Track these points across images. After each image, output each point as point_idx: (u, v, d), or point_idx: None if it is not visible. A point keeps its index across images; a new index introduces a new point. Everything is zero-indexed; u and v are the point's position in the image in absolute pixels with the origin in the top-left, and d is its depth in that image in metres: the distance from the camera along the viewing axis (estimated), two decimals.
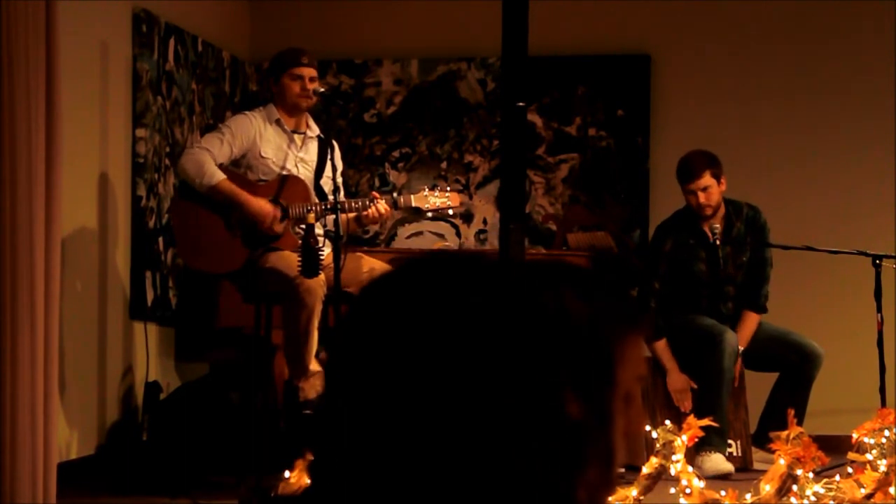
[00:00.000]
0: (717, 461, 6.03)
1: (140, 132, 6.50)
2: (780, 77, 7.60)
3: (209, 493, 5.45)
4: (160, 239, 6.66)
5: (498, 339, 1.13)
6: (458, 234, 7.83)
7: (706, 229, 6.32)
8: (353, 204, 5.76)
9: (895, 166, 7.41)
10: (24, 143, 4.56)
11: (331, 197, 5.64)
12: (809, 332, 6.45)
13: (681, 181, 6.30)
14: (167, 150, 6.73)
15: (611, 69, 7.72)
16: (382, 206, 5.74)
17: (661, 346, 6.35)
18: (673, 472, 4.82)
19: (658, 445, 4.85)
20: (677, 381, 6.32)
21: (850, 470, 5.09)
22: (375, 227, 7.61)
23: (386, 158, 7.87)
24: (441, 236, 7.83)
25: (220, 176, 5.66)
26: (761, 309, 6.42)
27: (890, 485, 4.83)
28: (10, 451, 4.51)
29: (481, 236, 7.80)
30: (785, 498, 4.79)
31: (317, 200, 5.76)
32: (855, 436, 5.06)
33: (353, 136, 7.87)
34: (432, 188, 5.94)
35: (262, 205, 5.67)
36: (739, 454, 6.27)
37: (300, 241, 5.37)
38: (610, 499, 1.20)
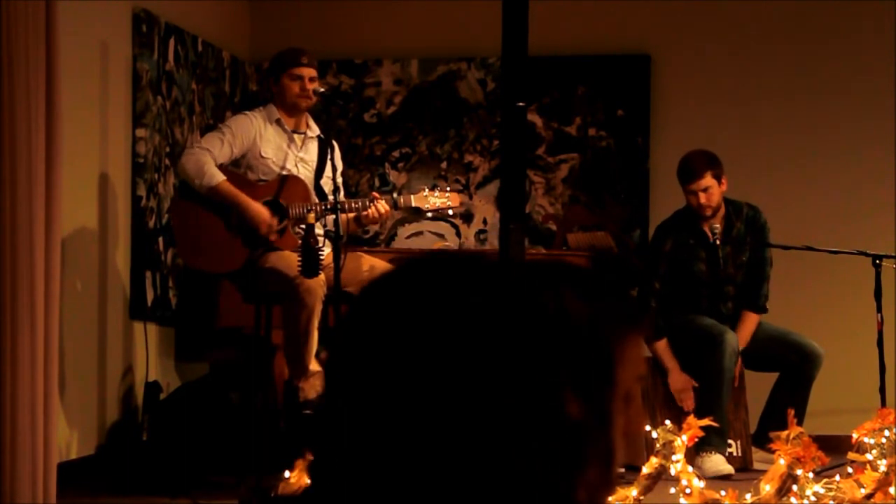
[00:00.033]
0: (717, 462, 6.03)
1: (140, 132, 6.50)
2: (780, 77, 7.60)
3: (209, 493, 5.45)
4: (160, 239, 6.66)
5: (498, 339, 1.13)
6: (458, 234, 7.83)
7: (706, 229, 6.32)
8: (353, 204, 5.76)
9: (895, 166, 7.42)
10: (24, 143, 4.56)
11: (331, 197, 5.64)
12: (809, 332, 6.45)
13: (681, 181, 6.30)
14: (167, 150, 6.73)
15: (611, 69, 7.72)
16: (382, 206, 5.74)
17: (662, 346, 6.35)
18: (673, 472, 4.82)
19: (658, 445, 4.85)
20: (679, 380, 6.32)
21: (850, 470, 5.09)
22: (375, 227, 7.61)
23: (386, 158, 7.87)
24: (441, 236, 7.83)
25: (220, 177, 5.66)
26: (761, 309, 6.42)
27: (890, 485, 4.83)
28: (10, 451, 4.51)
29: (481, 236, 7.80)
30: (785, 498, 4.79)
31: (317, 200, 5.76)
32: (855, 436, 5.06)
33: (353, 136, 7.87)
34: (432, 188, 5.94)
35: (261, 211, 5.67)
36: (739, 454, 6.27)
37: (300, 241, 5.37)
38: (610, 499, 1.20)
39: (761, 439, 6.01)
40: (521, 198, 4.89)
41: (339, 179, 5.76)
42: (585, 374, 1.14)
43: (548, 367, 1.13)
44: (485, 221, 7.81)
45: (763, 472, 5.06)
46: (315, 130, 5.94)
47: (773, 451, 4.91)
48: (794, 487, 4.78)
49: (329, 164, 5.83)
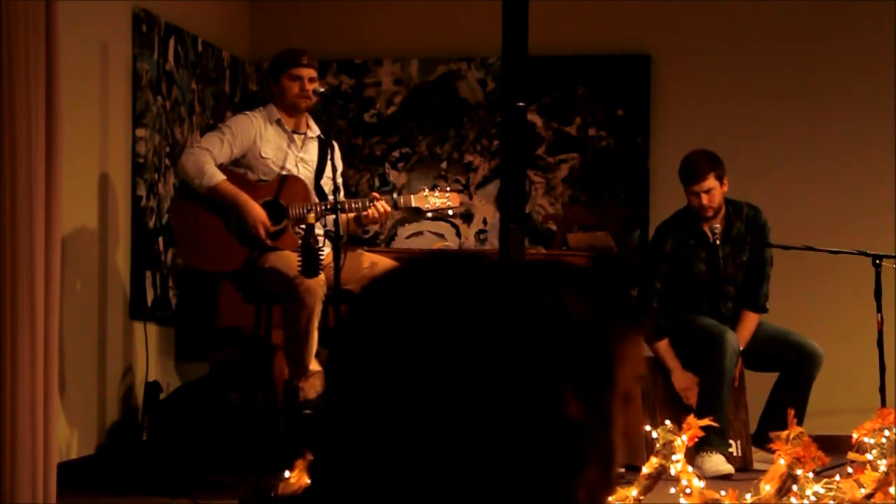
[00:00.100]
0: (717, 461, 6.03)
1: (140, 132, 6.50)
2: (780, 77, 7.60)
3: (209, 493, 5.45)
4: (160, 239, 6.66)
5: (498, 339, 1.13)
6: (458, 234, 7.83)
7: (706, 229, 6.31)
8: (353, 204, 5.76)
9: (895, 166, 7.42)
10: (24, 143, 4.56)
11: (331, 197, 5.64)
12: (809, 332, 6.45)
13: (683, 182, 6.29)
14: (167, 150, 6.73)
15: (611, 69, 7.72)
16: (382, 206, 5.74)
17: (664, 345, 6.35)
18: (673, 472, 4.82)
19: (658, 445, 4.85)
20: (682, 379, 6.32)
21: (850, 470, 5.09)
22: (375, 227, 7.61)
23: (386, 158, 7.87)
24: (441, 236, 7.83)
25: (220, 177, 5.66)
26: (761, 309, 6.42)
27: (890, 485, 4.83)
28: (10, 451, 4.51)
29: (481, 236, 7.80)
30: (785, 498, 4.79)
31: (317, 200, 5.76)
32: (855, 436, 5.06)
33: (353, 136, 7.87)
34: (432, 188, 5.94)
35: (258, 213, 5.66)
36: (739, 454, 6.27)
37: (300, 241, 5.37)
38: (610, 499, 1.20)
39: (761, 439, 6.01)
40: (521, 198, 4.89)
41: (339, 180, 5.76)
42: (585, 374, 1.14)
43: (548, 367, 1.13)
44: (485, 221, 7.81)
45: (763, 472, 5.06)
46: (315, 131, 5.94)
47: (773, 451, 4.91)
48: (794, 487, 4.78)
49: (329, 164, 5.83)
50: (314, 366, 5.58)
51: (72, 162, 5.51)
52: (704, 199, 6.23)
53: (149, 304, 6.54)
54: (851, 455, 5.08)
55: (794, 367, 6.29)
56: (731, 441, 6.24)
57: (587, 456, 1.14)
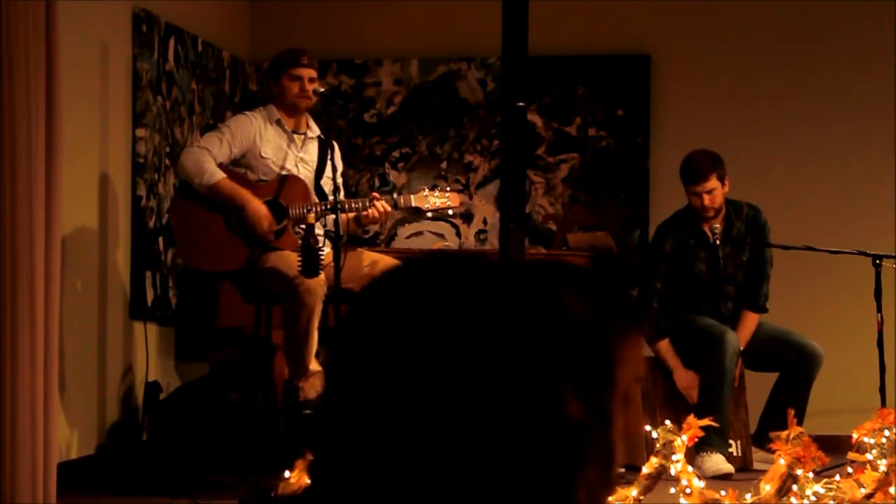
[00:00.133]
0: (717, 461, 6.03)
1: (140, 132, 6.50)
2: (780, 77, 7.60)
3: (209, 493, 5.45)
4: (160, 239, 6.66)
5: (498, 339, 1.13)
6: (458, 234, 7.83)
7: (706, 229, 6.31)
8: (353, 204, 5.76)
9: (895, 166, 7.42)
10: (24, 143, 4.56)
11: (331, 197, 5.64)
12: (809, 332, 6.45)
13: (685, 182, 6.28)
14: (167, 150, 6.73)
15: (611, 69, 7.72)
16: (382, 206, 5.74)
17: (665, 345, 6.35)
18: (673, 472, 4.82)
19: (658, 445, 4.85)
20: (684, 378, 6.32)
21: (850, 470, 5.09)
22: (375, 227, 7.61)
23: (386, 158, 7.88)
24: (441, 236, 7.83)
25: (220, 175, 5.66)
26: (761, 309, 6.42)
27: (890, 485, 4.84)
28: (10, 451, 4.51)
29: (481, 236, 7.81)
30: (785, 498, 4.79)
31: (317, 200, 5.76)
32: (855, 436, 5.06)
33: (353, 136, 7.87)
34: (432, 188, 5.94)
35: (260, 209, 5.67)
36: (739, 454, 6.27)
37: (300, 241, 5.37)
38: (610, 499, 1.20)
39: (761, 439, 6.01)
40: (521, 198, 4.89)
41: (340, 180, 5.76)
42: (585, 374, 1.14)
43: (548, 367, 1.13)
44: (485, 221, 7.81)
45: (763, 472, 5.06)
46: (315, 131, 5.94)
47: (773, 451, 4.91)
48: (794, 487, 4.78)
49: (329, 164, 5.83)
50: (314, 366, 5.58)
51: (72, 162, 5.51)
52: (706, 199, 6.23)
53: (149, 304, 6.54)
54: (851, 455, 5.07)
55: (794, 367, 6.29)
56: (731, 441, 6.24)
57: (587, 456, 1.14)
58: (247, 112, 5.99)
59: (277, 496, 4.51)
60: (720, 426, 5.68)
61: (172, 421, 6.05)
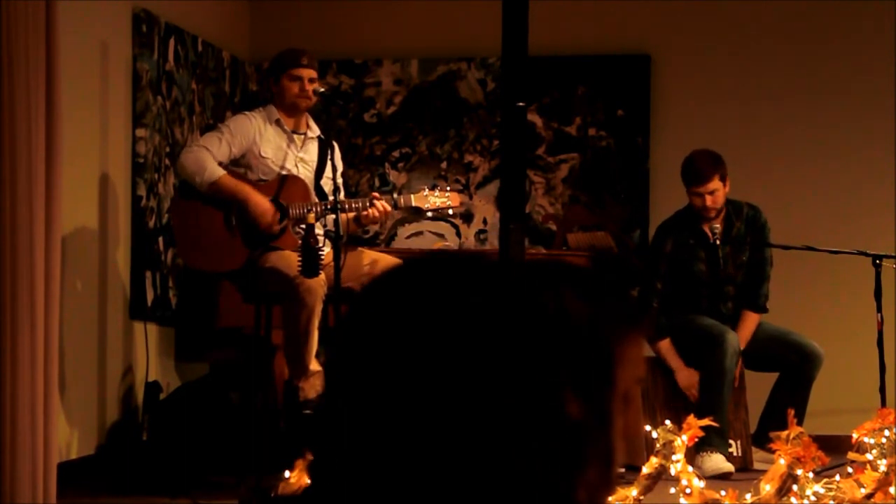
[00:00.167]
0: (717, 460, 6.03)
1: (140, 132, 6.50)
2: (780, 77, 7.60)
3: (209, 493, 5.45)
4: (160, 239, 6.66)
5: (498, 339, 1.13)
6: (458, 234, 7.83)
7: (706, 229, 6.31)
8: (353, 204, 5.76)
9: (895, 166, 7.42)
10: (24, 143, 4.56)
11: (331, 197, 5.64)
12: (809, 332, 6.45)
13: (687, 182, 6.27)
14: (167, 150, 6.73)
15: (611, 69, 7.72)
16: (382, 206, 5.74)
17: (666, 345, 6.35)
18: (673, 472, 4.82)
19: (658, 445, 4.85)
20: (686, 377, 6.31)
21: (850, 470, 5.09)
22: (375, 227, 7.61)
23: (386, 158, 7.88)
24: (441, 236, 7.83)
25: (220, 172, 5.66)
26: (761, 309, 6.42)
27: (890, 485, 4.83)
28: (10, 451, 4.51)
29: (481, 236, 7.81)
30: (785, 498, 4.79)
31: (317, 200, 5.76)
32: (855, 436, 5.06)
33: (353, 136, 7.87)
34: (432, 188, 5.94)
35: (262, 202, 5.67)
36: (739, 454, 6.27)
37: (300, 241, 5.37)
38: (610, 499, 1.20)
39: (761, 439, 6.01)
40: (521, 198, 4.89)
41: (340, 180, 5.76)
42: (585, 374, 1.14)
43: (548, 367, 1.13)
44: (485, 221, 7.81)
45: (763, 472, 5.06)
46: (315, 131, 5.94)
47: (773, 451, 4.91)
48: (794, 487, 4.78)
49: (329, 164, 5.83)
50: (314, 366, 5.58)
51: (72, 162, 5.51)
52: (708, 200, 6.23)
53: (149, 304, 6.54)
54: (851, 455, 5.07)
55: (794, 367, 6.29)
56: (731, 441, 6.24)
57: (587, 456, 1.14)
58: (246, 112, 5.99)
59: (277, 496, 4.51)
60: (720, 426, 5.68)
61: (172, 421, 6.05)
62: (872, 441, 4.98)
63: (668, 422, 4.98)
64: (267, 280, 5.64)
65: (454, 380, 1.12)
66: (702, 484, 4.85)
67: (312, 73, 5.82)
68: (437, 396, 1.12)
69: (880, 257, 6.07)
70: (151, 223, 6.58)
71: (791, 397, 6.04)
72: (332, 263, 5.38)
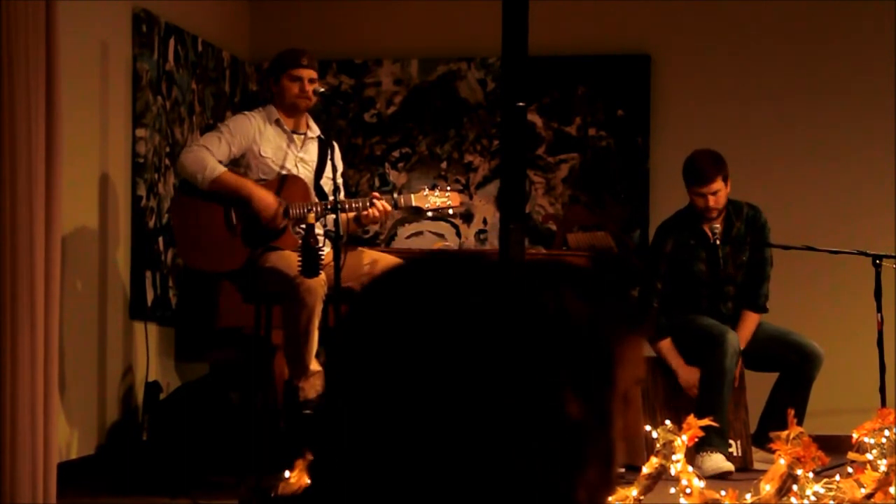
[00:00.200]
0: (717, 460, 6.03)
1: (140, 132, 6.50)
2: (780, 77, 7.60)
3: (209, 493, 5.45)
4: (160, 239, 6.66)
5: (498, 339, 1.13)
6: (458, 234, 7.83)
7: (706, 229, 6.31)
8: (353, 204, 5.76)
9: (895, 166, 7.42)
10: (24, 143, 4.56)
11: (331, 197, 5.64)
12: (809, 332, 6.45)
13: (689, 182, 6.27)
14: (167, 150, 6.73)
15: (611, 69, 7.72)
16: (382, 205, 5.74)
17: (667, 345, 6.35)
18: (673, 472, 4.82)
19: (658, 445, 4.85)
20: (688, 375, 6.31)
21: (850, 470, 5.09)
22: (375, 227, 7.61)
23: (386, 158, 7.88)
24: (441, 236, 7.83)
25: (222, 168, 5.66)
26: (761, 309, 6.42)
27: (890, 485, 4.83)
28: (10, 451, 4.51)
29: (481, 236, 7.81)
30: (785, 498, 4.79)
31: (317, 200, 5.76)
32: (855, 436, 5.06)
33: (353, 136, 7.87)
34: (432, 188, 5.94)
35: (266, 196, 5.67)
36: (739, 454, 6.27)
37: (300, 241, 5.37)
38: (610, 499, 1.20)
39: (761, 439, 6.01)
40: (521, 198, 4.89)
41: (340, 180, 5.75)
42: (585, 374, 1.14)
43: (548, 367, 1.13)
44: (485, 221, 7.81)
45: (763, 472, 5.06)
46: (315, 131, 5.94)
47: (773, 451, 4.91)
48: (794, 487, 4.78)
49: (329, 164, 5.83)
50: (314, 366, 5.58)
51: (72, 162, 5.51)
52: (711, 200, 6.23)
53: (149, 304, 6.54)
54: (851, 455, 5.07)
55: (794, 367, 6.29)
56: (731, 441, 6.24)
57: (587, 456, 1.14)
58: (246, 112, 5.99)
59: (277, 496, 4.51)
60: (720, 426, 5.68)
61: (172, 421, 6.05)
62: (872, 441, 4.98)
63: (668, 422, 4.98)
64: (267, 280, 5.64)
65: (454, 380, 1.12)
66: (702, 484, 4.85)
67: (312, 74, 5.82)
68: (437, 396, 1.12)
69: (880, 257, 6.07)
70: (151, 223, 6.58)
71: (791, 397, 6.04)
72: (332, 263, 5.38)
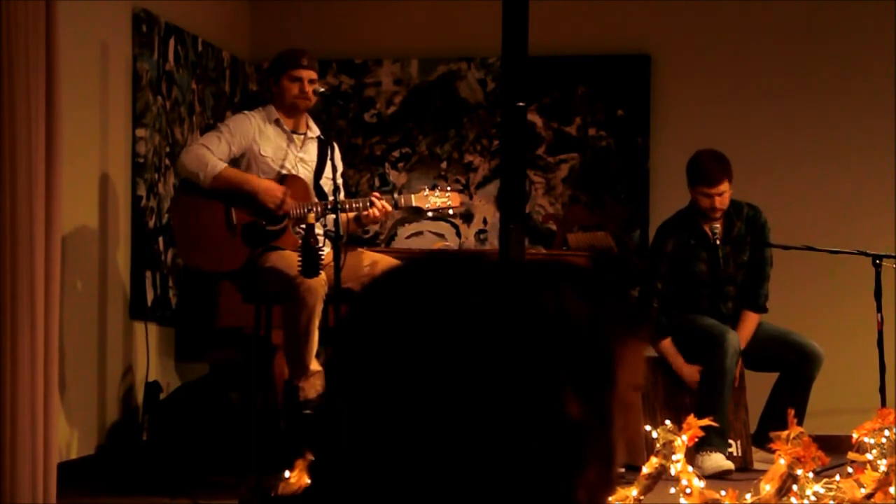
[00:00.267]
0: (717, 459, 6.03)
1: (140, 132, 6.50)
2: (780, 77, 7.60)
3: (209, 493, 5.45)
4: (160, 239, 6.66)
5: (498, 339, 1.13)
6: (458, 234, 7.83)
7: (707, 229, 6.31)
8: (353, 204, 5.76)
9: (895, 166, 7.42)
10: (24, 143, 4.56)
11: (331, 197, 5.64)
12: (809, 332, 6.45)
13: (695, 182, 6.26)
14: (167, 150, 6.73)
15: (611, 69, 7.72)
16: (382, 205, 5.74)
17: (667, 344, 6.35)
18: (673, 472, 4.82)
19: (658, 445, 4.85)
20: (689, 372, 6.31)
21: (850, 470, 5.09)
22: (375, 227, 7.62)
23: (386, 158, 7.88)
24: (441, 236, 7.83)
25: (222, 165, 5.66)
26: (761, 309, 6.42)
27: (890, 485, 4.84)
28: (10, 451, 4.51)
29: (481, 236, 7.81)
30: (785, 498, 4.79)
31: (317, 200, 5.76)
32: (855, 436, 5.06)
33: (353, 136, 7.87)
34: (432, 188, 5.94)
35: (270, 184, 5.68)
36: (739, 454, 6.27)
37: (300, 241, 5.37)
38: (610, 499, 1.20)
39: (761, 439, 6.01)
40: (521, 198, 4.89)
41: (340, 180, 5.75)
42: (585, 374, 1.14)
43: (548, 367, 1.13)
44: (485, 221, 7.81)
45: (763, 472, 5.06)
46: (315, 131, 5.94)
47: (773, 451, 4.91)
48: (794, 487, 4.78)
49: (329, 164, 5.83)
50: (314, 366, 5.58)
51: (72, 162, 5.51)
52: (717, 201, 6.23)
53: (149, 304, 6.54)
54: (851, 455, 5.08)
55: (794, 367, 6.29)
56: (731, 441, 6.24)
57: (587, 456, 1.14)
58: (246, 111, 5.99)
59: (277, 496, 4.51)
60: (720, 426, 5.68)
61: (172, 421, 6.05)
62: (872, 441, 4.98)
63: (668, 422, 4.98)
64: (267, 280, 5.64)
65: (454, 380, 1.12)
66: (702, 484, 4.85)
67: (312, 74, 5.82)
68: (438, 396, 1.12)
69: (880, 257, 6.07)
70: (151, 223, 6.58)
71: (791, 397, 6.04)
72: (333, 263, 5.38)
